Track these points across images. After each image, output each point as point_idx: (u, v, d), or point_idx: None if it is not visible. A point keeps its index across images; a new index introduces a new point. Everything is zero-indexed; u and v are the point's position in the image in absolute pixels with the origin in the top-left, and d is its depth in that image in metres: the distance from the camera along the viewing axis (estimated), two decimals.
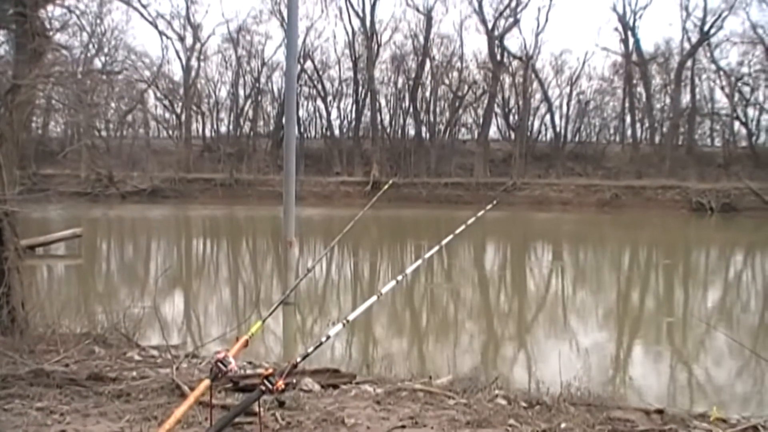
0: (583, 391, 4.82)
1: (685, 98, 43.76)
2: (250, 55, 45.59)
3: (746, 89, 42.56)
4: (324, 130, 47.07)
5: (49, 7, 6.48)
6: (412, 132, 44.84)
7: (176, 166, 41.26)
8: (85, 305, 9.83)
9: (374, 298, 3.32)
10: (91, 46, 36.90)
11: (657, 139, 43.98)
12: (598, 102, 46.33)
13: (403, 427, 3.86)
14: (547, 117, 45.53)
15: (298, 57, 22.67)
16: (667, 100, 44.73)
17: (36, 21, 5.86)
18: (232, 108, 46.66)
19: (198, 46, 44.81)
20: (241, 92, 46.40)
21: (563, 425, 3.91)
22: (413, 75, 43.82)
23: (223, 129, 47.18)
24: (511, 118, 45.29)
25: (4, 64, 6.65)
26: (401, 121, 45.29)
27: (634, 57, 43.63)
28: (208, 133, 46.95)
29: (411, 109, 44.63)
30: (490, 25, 42.49)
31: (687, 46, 42.61)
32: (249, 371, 4.78)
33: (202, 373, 4.68)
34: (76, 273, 15.22)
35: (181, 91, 45.60)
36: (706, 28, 41.38)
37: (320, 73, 45.52)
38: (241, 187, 39.84)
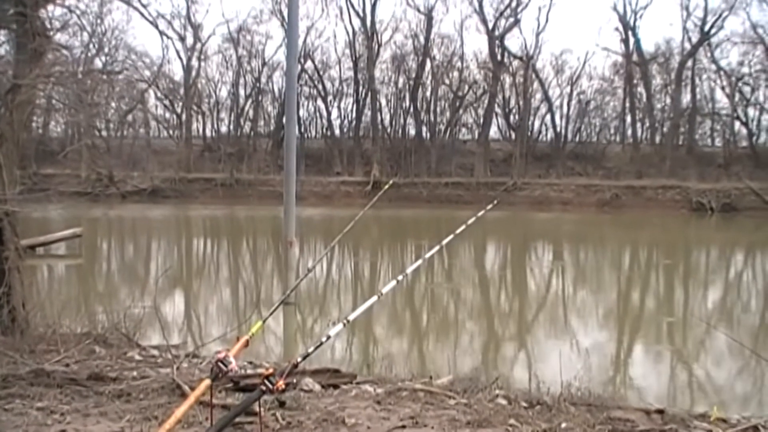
0: (584, 391, 4.82)
1: (686, 98, 43.82)
2: (250, 55, 45.65)
3: (747, 89, 42.62)
4: (324, 129, 47.10)
5: (50, 7, 6.49)
6: (412, 132, 44.89)
7: (176, 165, 41.27)
8: (86, 305, 9.84)
9: (375, 298, 3.32)
10: (91, 45, 36.87)
11: (657, 139, 43.98)
12: (598, 102, 46.38)
13: (404, 427, 3.86)
14: (548, 117, 45.61)
15: (298, 57, 22.65)
16: (668, 100, 44.74)
17: (36, 21, 5.86)
18: (233, 108, 46.70)
19: (198, 45, 44.88)
20: (241, 92, 46.49)
21: (564, 425, 3.91)
22: (414, 75, 43.82)
23: (223, 129, 47.28)
24: (511, 118, 45.31)
25: (4, 64, 6.66)
26: (402, 120, 45.35)
27: (635, 57, 43.62)
28: (208, 133, 47.02)
29: (411, 109, 44.64)
30: (490, 25, 42.51)
31: (687, 46, 42.66)
32: (249, 371, 4.78)
33: (202, 373, 4.68)
34: (77, 273, 15.22)
35: (182, 90, 45.61)
36: (706, 28, 41.41)
37: (321, 72, 45.55)
38: (241, 187, 39.85)
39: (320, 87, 45.79)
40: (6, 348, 5.03)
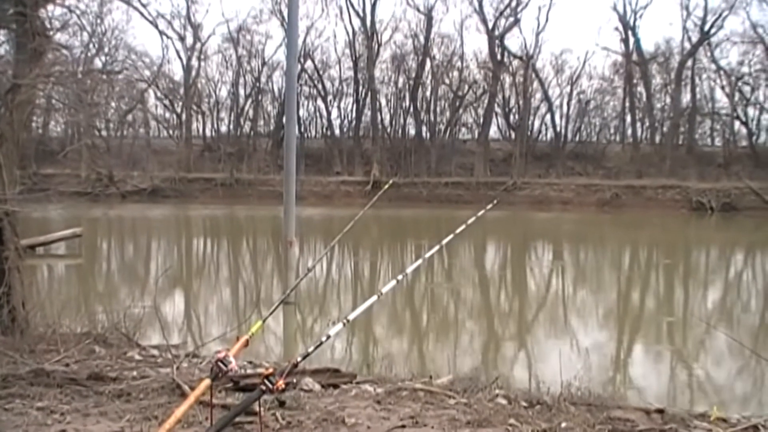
0: (584, 390, 4.81)
1: (686, 98, 43.82)
2: (250, 55, 45.65)
3: (746, 89, 42.62)
4: (324, 129, 47.10)
5: (50, 7, 6.49)
6: (412, 131, 44.90)
7: (176, 165, 41.27)
8: (86, 305, 9.84)
9: (374, 297, 3.32)
10: (91, 45, 36.85)
11: (657, 138, 43.98)
12: (598, 101, 46.38)
13: (404, 426, 3.86)
14: (548, 116, 45.62)
15: (298, 56, 22.66)
16: (668, 100, 44.75)
17: (36, 21, 5.86)
18: (233, 107, 46.70)
19: (198, 45, 44.89)
20: (241, 92, 46.49)
21: (564, 425, 3.91)
22: (413, 74, 43.82)
23: (223, 128, 47.27)
24: (511, 117, 45.31)
25: (4, 64, 6.65)
26: (401, 120, 45.35)
27: (635, 56, 43.63)
28: (208, 133, 47.02)
29: (411, 109, 44.64)
30: (490, 25, 42.51)
31: (687, 45, 42.67)
32: (249, 371, 4.78)
33: (202, 373, 4.68)
34: (77, 273, 15.22)
35: (182, 90, 45.62)
36: (706, 27, 41.43)
37: (320, 72, 45.55)
38: (241, 187, 39.85)
39: (320, 87, 45.82)
40: (6, 348, 5.03)
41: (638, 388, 7.00)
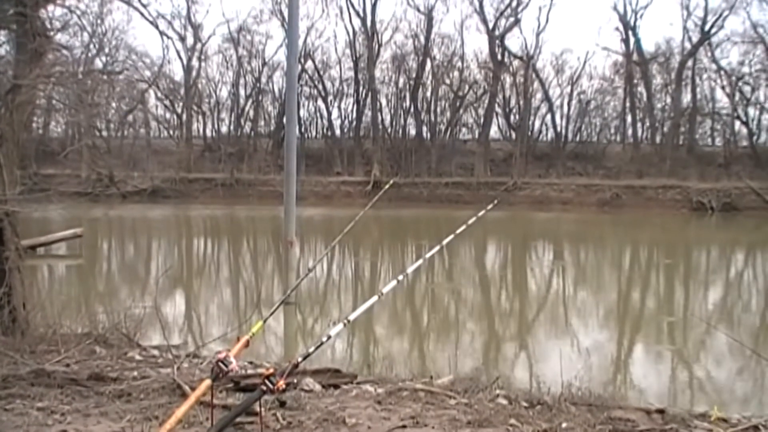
0: (584, 390, 4.81)
1: (686, 98, 43.78)
2: (250, 55, 45.63)
3: (747, 89, 42.57)
4: (325, 129, 47.09)
5: (50, 7, 6.49)
6: (412, 132, 44.88)
7: (177, 166, 41.28)
8: (86, 305, 9.85)
9: (375, 297, 3.32)
10: (91, 46, 36.86)
11: (658, 138, 43.96)
12: (598, 102, 46.34)
13: (404, 426, 3.86)
14: (548, 117, 45.57)
15: (298, 57, 22.67)
16: (668, 100, 44.72)
17: (37, 21, 5.86)
18: (233, 108, 46.70)
19: (199, 46, 44.89)
20: (241, 92, 46.48)
21: (564, 425, 3.91)
22: (414, 75, 43.81)
23: (223, 129, 47.26)
24: (511, 117, 45.30)
25: (4, 64, 6.65)
26: (402, 120, 45.33)
27: (635, 57, 43.60)
28: (208, 133, 47.00)
29: (412, 109, 44.63)
30: (490, 25, 42.50)
31: (688, 45, 42.65)
32: (250, 371, 4.78)
33: (203, 373, 4.68)
34: (77, 273, 15.23)
35: (182, 91, 45.62)
36: (706, 27, 41.41)
37: (321, 72, 45.55)
38: (241, 187, 39.86)
39: (320, 87, 45.82)
40: (6, 348, 5.03)
41: (639, 388, 7.00)
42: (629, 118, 44.82)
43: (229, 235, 26.01)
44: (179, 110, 46.30)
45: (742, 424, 4.21)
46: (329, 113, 46.39)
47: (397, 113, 45.38)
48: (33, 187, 6.95)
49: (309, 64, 44.23)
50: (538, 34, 43.07)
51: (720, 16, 40.87)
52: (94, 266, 16.60)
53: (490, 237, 23.01)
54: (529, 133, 44.18)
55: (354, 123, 45.48)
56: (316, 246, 20.03)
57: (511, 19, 42.73)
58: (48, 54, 6.30)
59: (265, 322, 3.49)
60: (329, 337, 2.99)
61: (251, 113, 46.72)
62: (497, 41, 42.56)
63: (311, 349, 2.90)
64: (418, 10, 43.49)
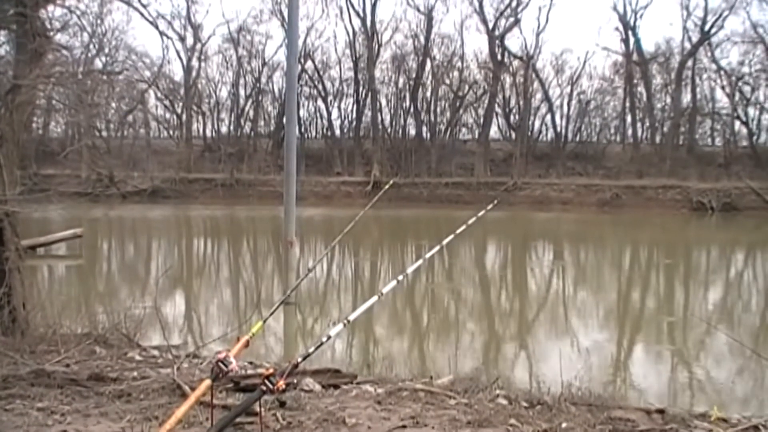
0: (584, 390, 4.81)
1: (686, 98, 43.79)
2: (250, 55, 45.65)
3: (747, 89, 42.59)
4: (325, 130, 47.10)
5: (50, 8, 6.49)
6: (412, 132, 44.89)
7: (177, 166, 41.29)
8: (86, 305, 9.85)
9: (375, 298, 3.32)
10: (91, 46, 36.87)
11: (657, 138, 43.97)
12: (598, 102, 46.35)
13: (404, 427, 3.86)
14: (548, 117, 45.59)
15: (298, 57, 22.68)
16: (668, 100, 44.73)
17: (36, 21, 5.86)
18: (233, 108, 46.71)
19: (198, 46, 44.89)
20: (241, 92, 46.50)
21: (564, 425, 3.91)
22: (414, 75, 43.83)
23: (223, 129, 47.28)
24: (511, 117, 45.31)
25: (4, 65, 6.65)
26: (402, 121, 45.36)
27: (635, 57, 43.61)
28: (208, 133, 47.02)
29: (412, 109, 44.64)
30: (490, 25, 42.51)
31: (688, 45, 42.66)
32: (250, 371, 4.78)
33: (203, 373, 4.68)
34: (77, 273, 15.23)
35: (182, 91, 45.63)
36: (706, 27, 41.41)
37: (321, 73, 45.55)
38: (241, 187, 39.86)
39: (320, 87, 45.83)
40: (6, 348, 5.03)
41: (639, 388, 7.00)
42: (629, 118, 44.85)
43: (229, 235, 26.01)
44: (179, 110, 46.32)
45: (742, 424, 4.21)
46: (329, 113, 46.50)
47: (397, 113, 45.44)
48: (33, 188, 6.95)
49: (309, 64, 44.28)
50: (538, 34, 43.20)
51: (720, 16, 40.96)
52: (94, 266, 16.60)
53: (490, 237, 23.01)
54: (529, 133, 44.19)
55: (354, 123, 45.51)
56: (316, 246, 20.03)
57: (511, 19, 42.81)
58: (48, 54, 6.30)
59: (265, 322, 3.49)
60: (329, 338, 2.99)
61: (251, 113, 46.76)
62: (497, 41, 42.57)
63: (311, 350, 2.90)
64: (418, 10, 43.58)
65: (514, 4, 42.40)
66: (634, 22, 43.30)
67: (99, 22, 35.05)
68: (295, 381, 4.43)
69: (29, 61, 5.79)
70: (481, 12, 42.71)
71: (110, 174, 38.19)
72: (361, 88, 44.84)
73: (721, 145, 43.74)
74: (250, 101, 46.47)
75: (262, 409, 3.71)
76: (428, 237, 22.49)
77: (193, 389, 3.28)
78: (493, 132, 45.51)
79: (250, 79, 46.00)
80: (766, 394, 7.16)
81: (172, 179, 39.93)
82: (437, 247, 4.13)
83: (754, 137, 42.24)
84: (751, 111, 42.63)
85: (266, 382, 2.68)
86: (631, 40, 43.34)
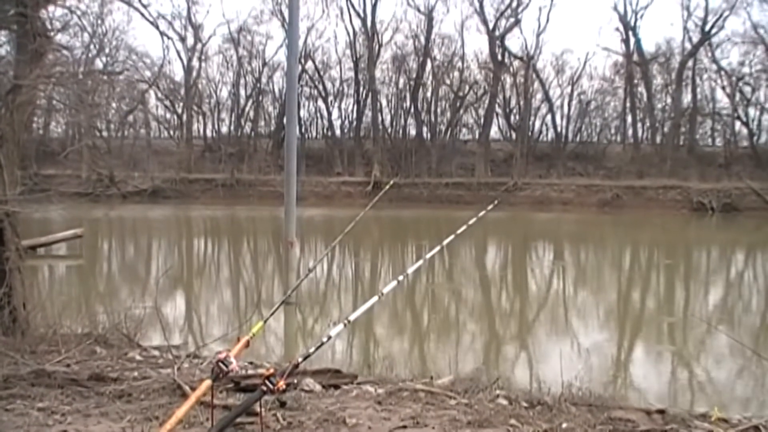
0: (585, 391, 4.81)
1: (687, 98, 43.79)
2: (251, 56, 45.68)
3: (747, 89, 42.58)
4: (325, 130, 47.12)
5: (50, 8, 6.49)
6: (413, 132, 44.90)
7: (177, 166, 41.31)
8: (87, 305, 9.86)
9: (375, 298, 3.32)
10: (92, 46, 36.84)
11: (658, 139, 43.96)
12: (599, 102, 46.36)
13: (405, 427, 3.86)
14: (548, 117, 45.60)
15: (299, 57, 22.68)
16: (668, 100, 44.73)
17: (37, 21, 5.86)
18: (233, 108, 46.74)
19: (199, 46, 44.94)
20: (242, 92, 46.55)
21: (564, 425, 3.91)
22: (414, 75, 43.84)
23: (224, 129, 47.32)
24: (512, 118, 45.31)
25: (5, 65, 6.65)
26: (402, 121, 45.38)
27: (635, 57, 43.61)
28: (209, 134, 47.06)
29: (412, 110, 44.65)
30: (491, 25, 42.51)
31: (688, 45, 42.67)
32: (250, 371, 4.78)
33: (203, 374, 4.68)
34: (78, 273, 15.23)
35: (182, 91, 45.65)
36: (707, 28, 41.41)
37: (321, 73, 45.57)
38: (242, 188, 39.88)
39: (321, 87, 45.84)
40: (7, 348, 5.03)
41: (639, 388, 7.00)
42: (629, 119, 44.85)
43: (230, 235, 26.02)
44: (179, 110, 46.35)
45: (743, 425, 4.21)
46: (329, 113, 46.51)
47: (398, 114, 45.45)
48: (33, 188, 6.96)
49: (309, 64, 44.29)
50: (538, 35, 43.26)
51: (720, 16, 40.97)
52: (94, 266, 16.61)
53: (490, 237, 23.01)
54: (530, 134, 44.19)
55: (354, 123, 45.52)
56: (316, 246, 20.03)
57: (512, 20, 42.83)
58: (48, 54, 6.30)
59: (265, 322, 3.49)
60: (329, 338, 2.99)
61: (251, 113, 46.78)
62: (497, 42, 42.57)
63: (311, 350, 2.90)
64: (419, 11, 43.60)
65: (514, 4, 42.48)
66: (635, 23, 43.38)
67: (99, 22, 35.13)
68: (295, 381, 4.43)
69: (30, 62, 5.79)
70: (481, 12, 42.79)
71: (111, 174, 38.20)
72: (361, 89, 44.87)
73: (721, 145, 43.73)
74: (250, 101, 46.52)
75: (263, 410, 3.70)
76: (428, 237, 22.50)
77: (193, 389, 3.28)
78: (494, 132, 45.61)
79: (250, 80, 46.12)
80: (767, 395, 7.16)
81: (172, 179, 39.95)
82: (438, 248, 4.13)
83: (755, 138, 42.26)
84: (752, 111, 42.73)
85: (266, 382, 2.68)
86: (632, 40, 43.42)
